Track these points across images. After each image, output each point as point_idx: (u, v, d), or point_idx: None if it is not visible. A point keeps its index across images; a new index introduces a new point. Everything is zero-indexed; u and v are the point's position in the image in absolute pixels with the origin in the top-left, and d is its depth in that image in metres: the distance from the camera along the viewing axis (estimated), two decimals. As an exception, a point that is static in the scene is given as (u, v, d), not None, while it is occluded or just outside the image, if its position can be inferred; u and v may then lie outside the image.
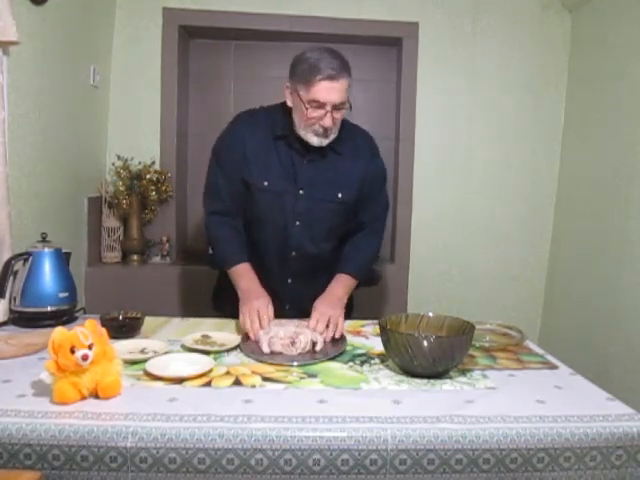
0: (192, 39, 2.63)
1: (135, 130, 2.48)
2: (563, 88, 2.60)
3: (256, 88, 2.58)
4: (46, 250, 1.46)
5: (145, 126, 2.49)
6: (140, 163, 2.39)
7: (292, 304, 1.62)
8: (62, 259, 1.50)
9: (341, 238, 1.65)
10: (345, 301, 1.51)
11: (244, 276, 1.49)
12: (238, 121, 1.60)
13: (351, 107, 1.48)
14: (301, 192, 1.54)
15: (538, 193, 2.66)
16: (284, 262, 1.60)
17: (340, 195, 1.56)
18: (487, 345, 1.31)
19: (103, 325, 1.11)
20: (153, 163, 2.43)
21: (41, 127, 1.82)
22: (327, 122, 1.43)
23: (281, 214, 1.55)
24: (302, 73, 1.41)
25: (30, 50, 1.70)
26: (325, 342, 1.31)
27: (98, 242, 2.37)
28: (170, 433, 0.87)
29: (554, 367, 1.21)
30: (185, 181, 2.67)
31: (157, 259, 2.46)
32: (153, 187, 2.36)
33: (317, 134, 1.47)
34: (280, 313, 1.55)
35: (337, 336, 1.35)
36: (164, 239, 2.46)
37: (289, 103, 1.50)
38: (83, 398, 0.97)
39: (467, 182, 2.63)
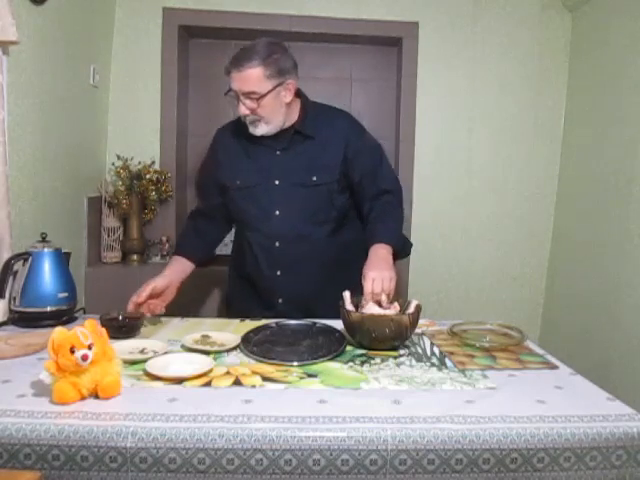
0: (192, 39, 2.63)
1: (135, 130, 2.48)
2: (563, 88, 2.60)
3: (256, 88, 2.57)
4: (46, 250, 1.46)
5: (145, 126, 2.49)
6: (140, 163, 2.39)
7: (285, 298, 1.64)
8: (62, 259, 1.50)
9: (332, 226, 1.64)
10: (390, 261, 1.48)
11: (168, 264, 1.64)
12: (215, 134, 1.74)
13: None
14: (277, 182, 1.59)
15: (538, 193, 2.66)
16: (270, 253, 1.62)
17: (315, 178, 1.58)
18: (487, 345, 1.31)
19: (103, 325, 1.12)
20: (153, 163, 2.43)
21: (41, 127, 1.82)
22: (240, 110, 1.51)
23: (259, 207, 1.61)
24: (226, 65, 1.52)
25: (30, 50, 1.70)
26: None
27: (98, 242, 2.37)
28: (170, 433, 0.87)
29: (554, 367, 1.21)
30: (185, 181, 2.67)
31: (157, 259, 2.46)
32: (153, 187, 2.36)
33: (247, 123, 1.54)
34: (274, 307, 1.62)
35: (390, 297, 1.38)
36: (164, 239, 2.46)
37: None
38: (83, 398, 0.97)
39: (467, 182, 2.63)
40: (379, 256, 1.48)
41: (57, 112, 1.93)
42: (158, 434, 0.87)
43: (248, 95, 1.47)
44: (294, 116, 1.59)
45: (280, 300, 1.64)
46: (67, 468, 0.86)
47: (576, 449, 0.90)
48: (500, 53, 2.57)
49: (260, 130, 1.54)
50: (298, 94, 1.60)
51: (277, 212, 1.60)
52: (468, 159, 2.62)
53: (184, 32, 2.53)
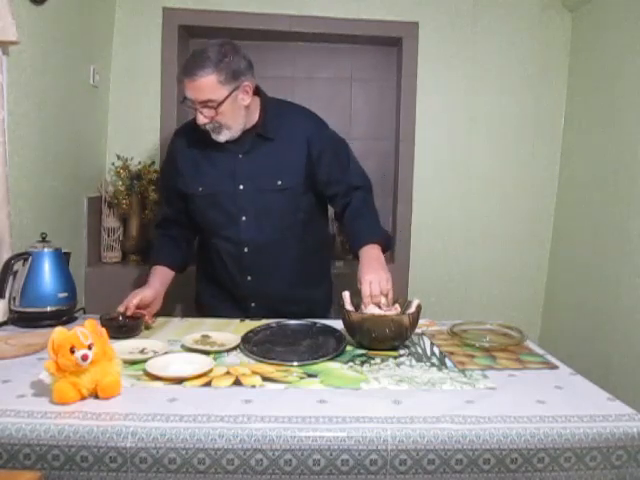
0: (192, 39, 2.63)
1: (135, 130, 2.48)
2: (563, 88, 2.60)
3: (256, 88, 2.58)
4: (46, 250, 1.46)
5: (145, 126, 2.48)
6: (140, 163, 2.39)
7: (257, 302, 1.63)
8: (62, 259, 1.50)
9: (300, 228, 1.62)
10: (383, 260, 1.46)
11: (149, 277, 1.58)
12: (172, 138, 1.69)
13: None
14: (241, 187, 1.55)
15: (538, 193, 2.65)
16: (239, 259, 1.60)
17: (280, 182, 1.55)
18: (487, 345, 1.31)
19: (103, 325, 1.12)
20: (153, 163, 2.43)
21: (41, 127, 1.82)
22: (199, 119, 1.46)
23: (224, 213, 1.57)
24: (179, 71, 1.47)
25: (30, 50, 1.70)
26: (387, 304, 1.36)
27: (98, 242, 2.37)
28: (170, 433, 0.87)
29: (554, 367, 1.21)
30: (185, 181, 2.66)
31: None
32: (153, 187, 2.36)
33: (208, 130, 1.50)
34: (246, 312, 1.60)
35: (389, 299, 1.36)
36: (164, 239, 2.46)
37: None
38: (83, 398, 0.97)
39: (467, 182, 2.63)
40: (372, 257, 1.46)
41: (57, 112, 1.93)
42: (158, 434, 0.87)
43: (205, 104, 1.43)
44: (254, 117, 1.55)
45: (253, 304, 1.64)
46: (67, 468, 0.86)
47: (576, 449, 0.90)
48: (500, 53, 2.57)
49: (223, 136, 1.50)
50: (256, 92, 1.56)
51: (243, 218, 1.56)
52: (468, 159, 2.62)
53: (184, 32, 2.53)
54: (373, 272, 1.39)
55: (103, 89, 2.38)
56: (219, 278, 1.67)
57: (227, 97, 1.43)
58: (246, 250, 1.58)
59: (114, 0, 2.42)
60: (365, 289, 1.36)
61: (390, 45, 2.65)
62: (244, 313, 1.60)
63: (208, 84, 1.41)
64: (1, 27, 1.44)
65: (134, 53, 2.45)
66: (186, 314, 1.70)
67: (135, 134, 2.48)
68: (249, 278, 1.62)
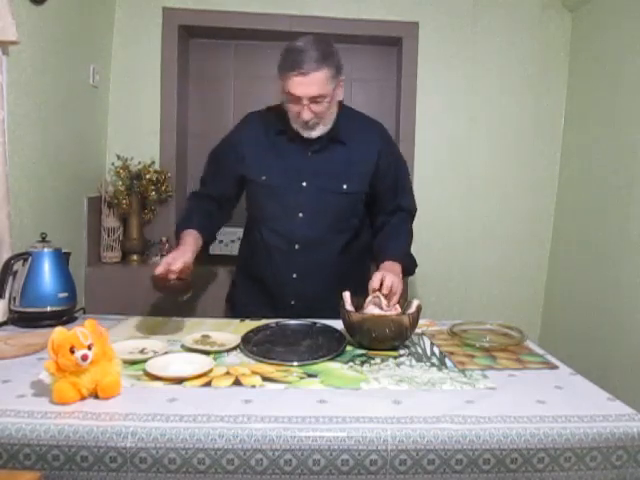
0: (192, 39, 2.63)
1: (135, 130, 2.48)
2: (563, 88, 2.60)
3: (256, 88, 2.57)
4: (46, 250, 1.46)
5: (145, 126, 2.49)
6: (140, 163, 2.39)
7: (298, 300, 1.62)
8: (62, 259, 1.50)
9: (352, 233, 1.63)
10: (400, 275, 1.47)
11: (182, 239, 1.50)
12: (241, 122, 1.68)
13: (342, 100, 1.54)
14: (304, 184, 1.55)
15: (538, 193, 2.65)
16: (288, 256, 1.59)
17: (345, 186, 1.56)
18: (487, 345, 1.31)
19: (158, 285, 1.13)
20: (153, 163, 2.43)
21: (41, 127, 1.82)
22: (305, 115, 1.45)
23: (283, 207, 1.57)
24: (280, 67, 1.44)
25: (30, 50, 1.70)
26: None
27: (98, 242, 2.37)
28: (170, 433, 0.87)
29: (554, 367, 1.21)
30: (185, 181, 2.67)
31: (157, 259, 2.46)
32: (153, 187, 2.36)
33: (302, 126, 1.50)
34: (286, 309, 1.59)
35: (392, 304, 1.37)
36: (164, 239, 2.45)
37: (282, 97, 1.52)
38: (83, 398, 0.97)
39: (467, 182, 2.63)
40: (391, 270, 1.47)
41: (57, 112, 1.93)
42: (158, 434, 0.87)
43: (314, 99, 1.42)
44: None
45: (293, 302, 1.63)
46: (67, 468, 0.86)
47: (576, 449, 0.90)
48: (500, 53, 2.57)
49: (317, 132, 1.50)
50: None
51: (301, 214, 1.56)
52: (468, 159, 2.62)
53: (184, 32, 2.53)
54: (387, 273, 1.41)
55: (103, 89, 2.38)
56: (262, 274, 1.65)
57: (333, 92, 1.45)
58: (297, 247, 1.58)
59: (114, 0, 2.42)
60: (375, 280, 1.38)
61: (390, 45, 2.65)
62: (281, 311, 1.56)
63: (321, 79, 1.40)
64: (1, 27, 1.44)
65: (134, 53, 2.45)
66: (224, 314, 1.72)
67: (135, 134, 2.48)
68: (294, 276, 1.60)
